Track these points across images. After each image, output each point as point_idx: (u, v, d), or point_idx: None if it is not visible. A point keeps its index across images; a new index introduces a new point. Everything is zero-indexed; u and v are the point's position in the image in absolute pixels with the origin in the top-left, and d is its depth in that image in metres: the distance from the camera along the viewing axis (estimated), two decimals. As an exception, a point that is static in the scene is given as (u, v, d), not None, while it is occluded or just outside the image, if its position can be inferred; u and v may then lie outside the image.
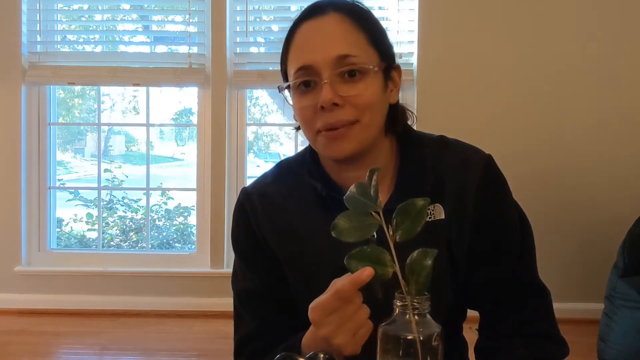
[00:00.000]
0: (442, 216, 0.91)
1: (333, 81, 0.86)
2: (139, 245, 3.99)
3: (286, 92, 0.93)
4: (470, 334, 1.01)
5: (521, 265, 0.94)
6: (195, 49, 3.19)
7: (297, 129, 0.97)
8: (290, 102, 0.93)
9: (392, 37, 0.97)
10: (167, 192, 4.23)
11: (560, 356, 0.93)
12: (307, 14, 0.91)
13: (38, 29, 3.21)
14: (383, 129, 0.94)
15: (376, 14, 1.63)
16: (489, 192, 0.93)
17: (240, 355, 1.00)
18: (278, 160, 1.10)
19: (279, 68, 0.97)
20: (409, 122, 1.00)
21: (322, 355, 0.55)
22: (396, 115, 0.96)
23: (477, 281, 0.94)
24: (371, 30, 0.91)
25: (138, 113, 4.51)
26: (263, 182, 1.02)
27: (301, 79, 0.88)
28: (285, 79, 0.94)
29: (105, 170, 4.04)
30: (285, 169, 1.03)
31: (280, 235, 0.97)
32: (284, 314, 0.98)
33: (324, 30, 0.88)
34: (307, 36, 0.90)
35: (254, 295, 1.00)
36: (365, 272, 0.67)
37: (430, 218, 0.91)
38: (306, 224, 0.96)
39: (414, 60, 3.03)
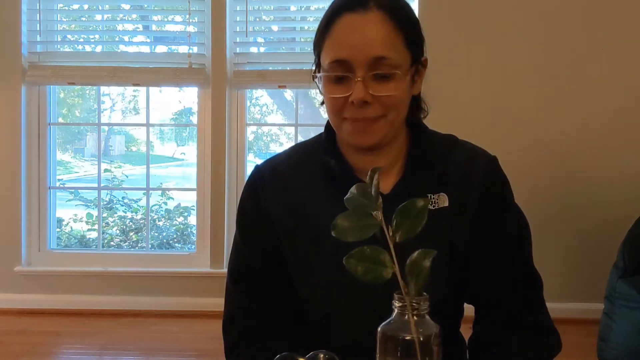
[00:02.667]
0: (446, 204, 0.96)
1: (366, 79, 0.90)
2: (139, 245, 4.00)
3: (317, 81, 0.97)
4: (468, 332, 1.01)
5: (516, 261, 0.97)
6: (195, 49, 3.19)
7: (322, 103, 1.01)
8: (320, 89, 0.96)
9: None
10: (167, 192, 4.23)
11: (554, 349, 0.95)
12: (350, 5, 0.92)
13: (38, 29, 3.20)
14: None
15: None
16: (491, 190, 0.98)
17: (230, 333, 1.02)
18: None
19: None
20: (423, 115, 1.05)
21: (322, 355, 0.54)
22: (417, 105, 1.02)
23: (473, 273, 0.97)
24: (409, 30, 0.94)
25: (138, 113, 4.51)
26: (277, 159, 1.07)
27: (335, 73, 0.91)
28: (318, 59, 0.97)
29: (105, 170, 4.05)
30: (300, 148, 1.08)
31: (285, 209, 1.00)
32: (276, 294, 1.01)
33: (365, 28, 0.91)
34: (347, 30, 0.91)
35: (247, 273, 1.02)
36: None
37: (434, 206, 0.95)
38: (315, 200, 0.99)
39: (414, 60, 3.02)
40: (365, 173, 0.95)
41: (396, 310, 0.63)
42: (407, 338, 0.62)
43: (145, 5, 3.46)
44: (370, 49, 0.89)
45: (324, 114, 1.07)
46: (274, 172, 1.03)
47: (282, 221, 1.00)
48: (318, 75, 0.96)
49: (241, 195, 1.07)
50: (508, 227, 0.98)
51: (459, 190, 0.96)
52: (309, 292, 1.00)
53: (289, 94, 4.08)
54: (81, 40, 3.63)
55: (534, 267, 0.99)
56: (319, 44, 0.96)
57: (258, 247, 1.02)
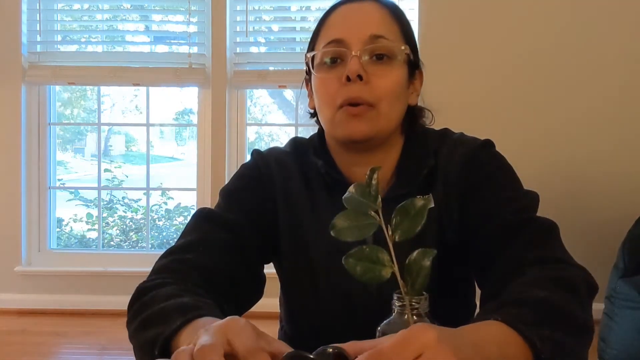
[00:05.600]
0: (432, 204, 0.91)
1: (362, 57, 0.89)
2: (139, 245, 4.00)
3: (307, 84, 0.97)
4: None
5: (518, 215, 0.87)
6: (195, 49, 3.19)
7: (312, 116, 1.00)
8: (313, 73, 0.94)
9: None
10: (167, 192, 4.23)
11: (583, 281, 0.79)
12: (345, 0, 0.95)
13: (38, 29, 3.20)
14: (399, 126, 0.96)
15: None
16: (476, 162, 0.93)
17: (165, 257, 0.92)
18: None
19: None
20: (427, 122, 1.02)
21: (329, 350, 0.54)
22: (414, 116, 0.99)
23: (478, 247, 0.89)
24: (404, 25, 0.95)
25: (141, 112, 4.51)
26: (279, 150, 1.04)
27: (331, 48, 0.91)
28: (311, 64, 0.95)
29: (105, 170, 4.04)
30: (299, 144, 1.05)
31: (286, 205, 0.97)
32: (227, 268, 0.88)
33: (361, 11, 0.92)
34: (343, 15, 0.93)
35: (228, 227, 0.91)
36: None
37: None
38: (310, 202, 0.97)
39: (414, 60, 3.02)
40: (353, 178, 0.94)
41: (395, 310, 0.62)
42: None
43: (146, 5, 3.46)
44: (366, 27, 0.90)
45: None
46: (279, 162, 0.99)
47: (283, 215, 0.97)
48: (311, 55, 0.94)
49: (235, 177, 1.00)
50: (501, 191, 0.91)
51: (445, 185, 0.93)
52: (301, 304, 0.99)
53: (289, 94, 4.08)
54: (82, 40, 3.62)
55: (539, 217, 0.88)
56: (312, 42, 0.96)
57: (252, 213, 0.94)
